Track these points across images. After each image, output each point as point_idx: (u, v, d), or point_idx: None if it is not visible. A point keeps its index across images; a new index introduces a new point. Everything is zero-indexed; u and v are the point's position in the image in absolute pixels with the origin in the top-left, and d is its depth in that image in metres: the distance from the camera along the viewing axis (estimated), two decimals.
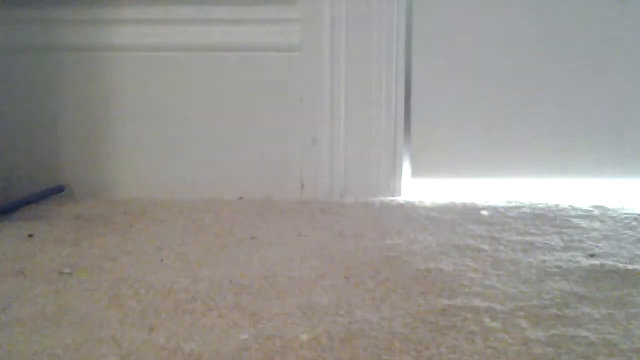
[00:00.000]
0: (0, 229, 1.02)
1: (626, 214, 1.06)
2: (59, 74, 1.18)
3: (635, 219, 1.03)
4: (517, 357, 0.62)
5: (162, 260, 0.88)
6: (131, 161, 1.20)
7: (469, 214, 1.08)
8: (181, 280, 0.81)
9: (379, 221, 1.05)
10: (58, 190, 1.19)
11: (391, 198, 1.18)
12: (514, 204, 1.12)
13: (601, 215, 1.06)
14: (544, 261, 0.86)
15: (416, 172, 1.21)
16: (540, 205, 1.11)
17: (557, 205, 1.11)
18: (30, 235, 0.99)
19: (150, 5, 1.16)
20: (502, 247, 0.92)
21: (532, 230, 0.99)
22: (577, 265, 0.84)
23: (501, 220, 1.04)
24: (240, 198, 1.19)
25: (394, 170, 1.18)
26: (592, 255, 0.88)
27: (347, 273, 0.83)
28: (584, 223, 1.02)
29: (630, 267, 0.83)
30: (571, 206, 1.10)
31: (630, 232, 0.97)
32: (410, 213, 1.09)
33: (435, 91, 1.19)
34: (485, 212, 1.08)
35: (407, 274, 0.82)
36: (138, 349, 0.64)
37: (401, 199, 1.18)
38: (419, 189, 1.21)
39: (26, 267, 0.86)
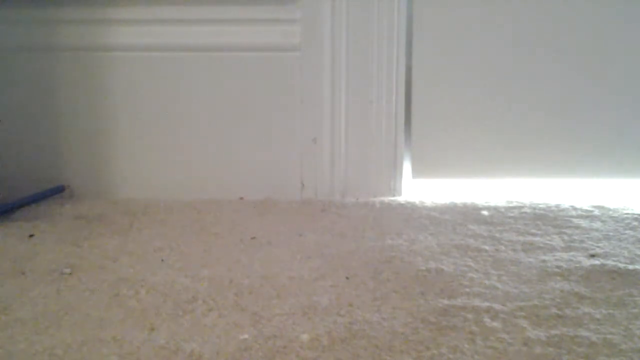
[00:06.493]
0: (0, 229, 1.02)
1: (626, 213, 1.06)
2: (59, 74, 1.18)
3: (636, 219, 1.03)
4: (517, 357, 0.62)
5: (162, 260, 0.88)
6: (131, 161, 1.20)
7: (469, 213, 1.08)
8: (181, 280, 0.81)
9: (379, 221, 1.05)
10: (58, 190, 1.19)
11: (391, 198, 1.18)
12: (514, 204, 1.12)
13: (602, 215, 1.06)
14: (544, 261, 0.86)
15: (416, 172, 1.21)
16: (540, 205, 1.11)
17: (557, 205, 1.11)
18: (31, 235, 0.99)
19: (150, 5, 1.16)
20: (502, 247, 0.92)
21: (532, 230, 0.99)
22: (577, 265, 0.84)
23: (501, 220, 1.04)
24: (240, 198, 1.19)
25: (394, 170, 1.18)
26: (592, 255, 0.88)
27: (347, 273, 0.83)
28: (584, 223, 1.02)
29: (631, 267, 0.83)
30: (572, 206, 1.10)
31: (631, 232, 0.97)
32: (410, 213, 1.09)
33: (435, 91, 1.19)
34: (485, 212, 1.08)
35: (408, 274, 0.82)
36: (138, 349, 0.64)
37: (401, 198, 1.18)
38: (419, 189, 1.21)
39: (26, 267, 0.86)
